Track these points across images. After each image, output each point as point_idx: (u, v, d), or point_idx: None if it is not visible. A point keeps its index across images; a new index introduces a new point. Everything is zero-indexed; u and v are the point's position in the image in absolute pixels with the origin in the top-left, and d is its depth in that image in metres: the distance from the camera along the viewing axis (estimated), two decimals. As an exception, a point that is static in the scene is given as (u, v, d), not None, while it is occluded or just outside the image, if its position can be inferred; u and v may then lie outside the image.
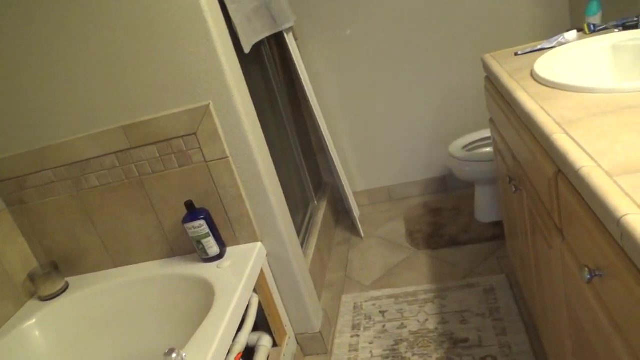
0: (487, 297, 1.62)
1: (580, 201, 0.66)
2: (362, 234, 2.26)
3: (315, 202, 2.30)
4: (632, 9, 1.46)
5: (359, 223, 2.25)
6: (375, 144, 2.40)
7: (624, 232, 0.50)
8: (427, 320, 1.61)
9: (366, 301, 1.79)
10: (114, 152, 1.36)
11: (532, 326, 1.46)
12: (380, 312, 1.71)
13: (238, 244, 1.43)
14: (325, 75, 2.26)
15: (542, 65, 1.06)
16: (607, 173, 0.59)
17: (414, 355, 1.48)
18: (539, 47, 1.29)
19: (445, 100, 2.23)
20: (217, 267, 1.34)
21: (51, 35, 1.25)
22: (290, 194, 1.88)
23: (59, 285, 1.46)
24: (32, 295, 1.49)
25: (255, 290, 1.38)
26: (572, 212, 0.70)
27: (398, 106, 2.28)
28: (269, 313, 1.44)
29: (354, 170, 2.48)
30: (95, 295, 1.44)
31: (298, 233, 1.90)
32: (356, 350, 1.57)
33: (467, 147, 2.04)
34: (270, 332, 1.45)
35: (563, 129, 0.75)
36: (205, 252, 1.36)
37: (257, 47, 1.84)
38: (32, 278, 1.42)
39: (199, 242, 1.35)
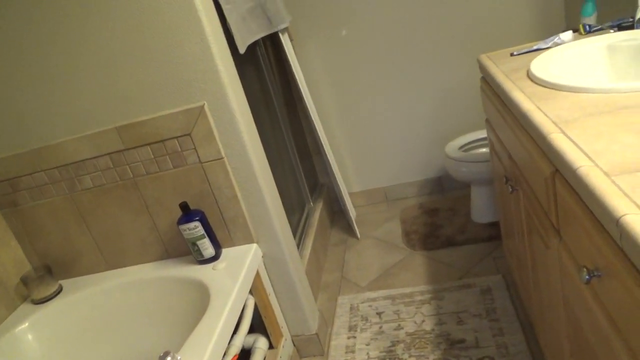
0: (483, 297, 1.62)
1: (578, 201, 0.66)
2: (358, 235, 2.25)
3: (311, 203, 2.30)
4: (627, 9, 1.46)
5: (355, 224, 2.25)
6: (371, 144, 2.39)
7: (623, 232, 0.50)
8: (423, 321, 1.60)
9: (362, 302, 1.79)
10: (108, 154, 1.34)
11: (529, 327, 1.45)
12: (376, 313, 1.71)
13: (233, 245, 1.42)
14: (321, 75, 2.26)
15: (538, 66, 1.06)
16: (605, 173, 0.59)
17: (410, 356, 1.47)
18: (534, 47, 1.29)
19: (441, 101, 2.23)
20: (213, 268, 1.33)
21: (44, 35, 1.23)
22: (285, 195, 1.87)
23: (53, 288, 1.45)
24: (25, 298, 1.48)
25: (251, 292, 1.37)
26: (569, 212, 0.70)
27: (394, 107, 2.28)
28: (265, 315, 1.43)
29: (350, 171, 2.48)
30: (89, 298, 1.43)
31: (294, 234, 1.89)
32: (353, 351, 1.56)
33: (463, 147, 2.04)
34: (266, 334, 1.44)
35: (560, 128, 0.75)
36: (201, 254, 1.35)
37: (252, 47, 1.83)
38: (25, 281, 1.41)
39: (194, 244, 1.34)
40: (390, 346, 1.54)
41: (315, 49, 2.20)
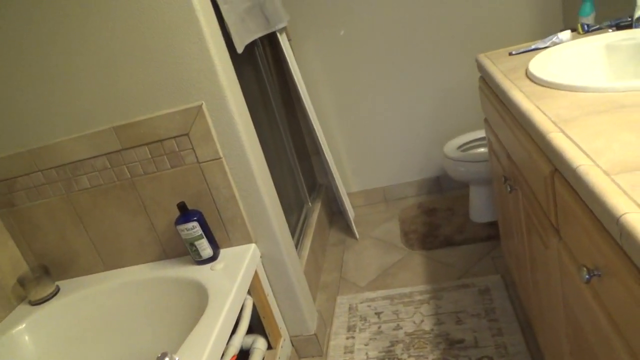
0: (482, 297, 1.62)
1: (578, 200, 0.66)
2: (357, 235, 2.25)
3: (310, 204, 2.29)
4: (625, 9, 1.46)
5: (353, 224, 2.24)
6: (370, 144, 2.39)
7: (624, 231, 0.50)
8: (422, 321, 1.60)
9: (361, 302, 1.78)
10: (106, 154, 1.34)
11: (528, 326, 1.45)
12: (375, 313, 1.70)
13: (231, 245, 1.42)
14: (319, 75, 2.25)
15: (537, 65, 1.06)
16: (604, 171, 0.58)
17: (409, 356, 1.47)
18: (533, 47, 1.29)
19: (440, 101, 2.23)
20: (211, 269, 1.32)
21: (42, 35, 1.23)
22: (284, 195, 1.87)
23: (50, 289, 1.44)
24: (22, 299, 1.47)
25: (249, 292, 1.37)
26: (569, 211, 0.70)
27: (392, 107, 2.28)
28: (263, 315, 1.42)
29: (348, 171, 2.48)
30: (86, 299, 1.42)
31: (292, 234, 1.89)
32: (352, 352, 1.56)
33: (462, 147, 2.04)
34: (264, 335, 1.43)
35: (559, 127, 0.75)
36: (199, 254, 1.35)
37: (250, 47, 1.83)
38: (22, 282, 1.40)
39: (192, 244, 1.33)
40: (389, 346, 1.54)
41: (313, 49, 2.20)
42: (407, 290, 1.77)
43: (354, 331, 1.65)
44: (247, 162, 1.31)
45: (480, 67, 1.34)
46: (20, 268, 1.49)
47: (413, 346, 1.51)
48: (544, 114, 0.82)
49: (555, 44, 1.25)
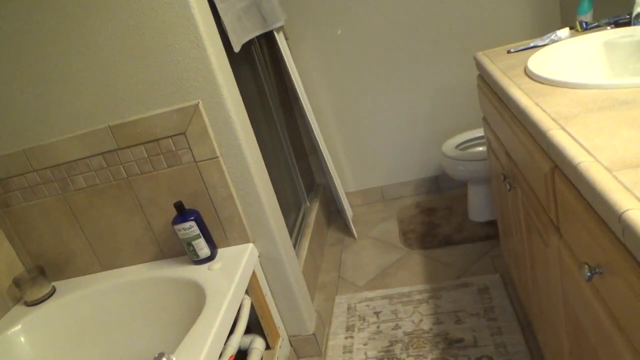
0: (481, 296, 1.62)
1: (578, 197, 0.65)
2: (355, 235, 2.24)
3: (308, 203, 2.28)
4: (623, 7, 1.46)
5: (351, 224, 2.24)
6: (368, 144, 2.38)
7: (626, 227, 0.49)
8: (421, 320, 1.59)
9: (360, 302, 1.78)
10: (101, 153, 1.33)
11: (528, 325, 1.45)
12: (374, 312, 1.70)
13: (229, 245, 1.41)
14: (317, 74, 2.25)
15: (536, 62, 1.06)
16: (606, 168, 0.58)
17: (408, 356, 1.46)
18: (531, 44, 1.29)
19: (438, 100, 2.22)
20: (208, 269, 1.32)
21: (38, 34, 1.22)
22: (282, 195, 1.86)
23: (46, 290, 1.43)
24: (17, 300, 1.46)
25: (247, 292, 1.36)
26: (569, 208, 0.69)
27: (390, 106, 2.27)
28: (261, 315, 1.41)
29: (346, 170, 2.47)
30: (82, 299, 1.41)
31: (290, 234, 1.88)
32: (350, 351, 1.55)
33: (460, 146, 2.04)
34: (263, 335, 1.42)
35: (559, 124, 0.74)
36: (196, 254, 1.34)
37: (247, 46, 1.82)
38: (17, 283, 1.39)
39: (189, 244, 1.32)
40: (388, 346, 1.53)
41: (310, 48, 2.19)
42: (405, 289, 1.77)
43: (353, 331, 1.64)
44: (245, 161, 1.30)
45: (479, 65, 1.33)
46: (16, 269, 1.48)
47: (412, 346, 1.50)
48: (544, 111, 0.81)
49: (553, 41, 1.25)
